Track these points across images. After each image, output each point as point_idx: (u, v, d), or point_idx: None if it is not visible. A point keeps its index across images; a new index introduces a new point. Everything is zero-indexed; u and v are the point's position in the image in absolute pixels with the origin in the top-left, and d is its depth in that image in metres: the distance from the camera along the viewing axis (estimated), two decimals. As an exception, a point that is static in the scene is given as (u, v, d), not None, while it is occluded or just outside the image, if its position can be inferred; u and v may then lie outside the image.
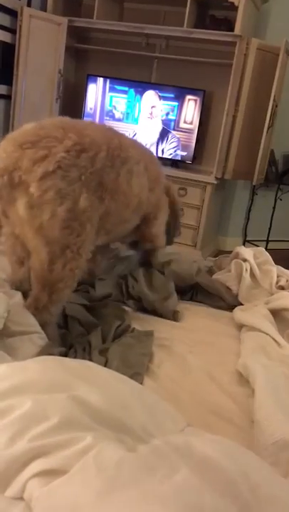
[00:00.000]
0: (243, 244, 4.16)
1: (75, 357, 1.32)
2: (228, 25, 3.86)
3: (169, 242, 2.02)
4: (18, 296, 1.39)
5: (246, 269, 1.82)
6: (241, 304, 1.77)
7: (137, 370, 1.28)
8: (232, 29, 3.75)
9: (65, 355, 1.29)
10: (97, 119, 4.40)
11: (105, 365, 1.26)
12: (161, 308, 1.67)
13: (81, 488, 0.68)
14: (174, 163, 4.15)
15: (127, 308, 1.67)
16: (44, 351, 1.21)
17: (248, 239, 4.47)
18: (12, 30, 4.01)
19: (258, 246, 2.55)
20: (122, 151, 1.52)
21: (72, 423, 0.79)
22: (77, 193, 1.33)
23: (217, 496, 0.70)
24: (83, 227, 1.36)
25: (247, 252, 1.91)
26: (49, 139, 1.34)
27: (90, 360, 1.29)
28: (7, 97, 4.16)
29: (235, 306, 1.78)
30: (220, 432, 1.12)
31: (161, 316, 1.68)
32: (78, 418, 0.80)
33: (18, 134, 1.39)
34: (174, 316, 1.67)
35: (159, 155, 4.19)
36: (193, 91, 4.11)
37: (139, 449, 0.77)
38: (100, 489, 0.67)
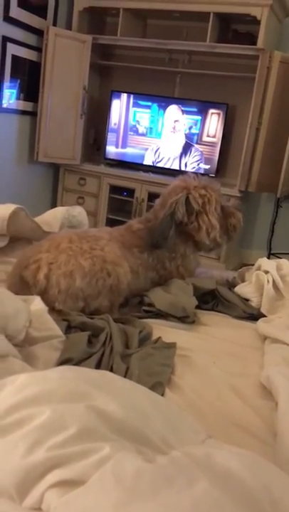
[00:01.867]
0: (268, 257, 4.11)
1: (100, 360, 1.32)
2: (251, 39, 3.87)
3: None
4: (38, 300, 1.41)
5: (268, 281, 1.80)
6: (264, 316, 1.75)
7: (158, 380, 1.26)
8: (255, 43, 3.77)
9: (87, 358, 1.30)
10: (121, 134, 4.46)
11: (126, 373, 1.26)
12: (178, 306, 1.66)
13: (99, 499, 0.67)
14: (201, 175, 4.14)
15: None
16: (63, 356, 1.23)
17: (272, 252, 4.43)
18: (38, 49, 4.10)
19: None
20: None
21: (91, 433, 0.78)
22: None
23: (238, 510, 0.68)
24: None
25: (269, 263, 1.89)
26: None
27: (112, 365, 1.29)
28: (33, 114, 4.24)
29: (257, 317, 1.75)
30: (242, 445, 1.10)
31: (174, 317, 1.66)
32: (97, 428, 0.79)
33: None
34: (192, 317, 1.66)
35: (182, 168, 4.20)
36: (216, 105, 4.13)
37: (158, 460, 0.76)
38: (117, 500, 0.66)
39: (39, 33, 4.07)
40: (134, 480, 0.69)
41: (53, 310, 1.51)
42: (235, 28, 4.08)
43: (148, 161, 4.43)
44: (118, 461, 0.72)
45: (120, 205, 4.49)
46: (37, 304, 1.40)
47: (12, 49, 3.88)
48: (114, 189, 4.44)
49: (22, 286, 1.60)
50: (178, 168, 4.22)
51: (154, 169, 4.38)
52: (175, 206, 1.83)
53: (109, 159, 4.59)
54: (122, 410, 0.86)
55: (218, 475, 0.75)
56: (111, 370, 1.28)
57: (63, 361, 1.26)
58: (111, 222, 4.05)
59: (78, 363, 1.27)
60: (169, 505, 0.66)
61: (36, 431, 0.78)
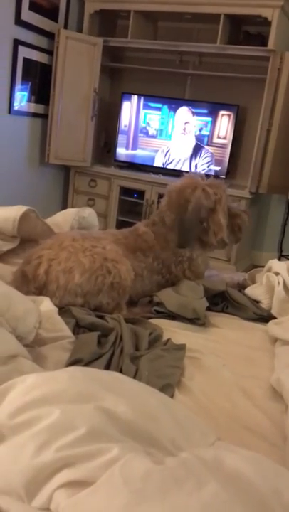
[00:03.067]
0: (279, 259, 4.10)
1: (109, 361, 1.32)
2: (262, 41, 3.86)
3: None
4: (47, 301, 1.41)
5: (279, 283, 1.79)
6: (275, 318, 1.74)
7: (168, 382, 1.26)
8: (265, 44, 3.75)
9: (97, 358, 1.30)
10: (131, 136, 4.46)
11: (135, 374, 1.26)
12: (188, 307, 1.65)
13: (107, 500, 0.67)
14: (208, 176, 4.14)
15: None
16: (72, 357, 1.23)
17: (283, 254, 4.40)
18: (49, 52, 4.12)
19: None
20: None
21: (100, 434, 0.78)
22: None
23: (247, 512, 0.68)
24: None
25: (280, 265, 1.88)
26: None
27: (121, 366, 1.29)
28: (44, 116, 4.26)
29: (268, 319, 1.74)
30: (252, 448, 1.09)
31: (185, 319, 1.66)
32: (105, 429, 0.79)
33: None
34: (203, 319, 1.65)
35: (193, 170, 4.20)
36: (226, 106, 4.12)
37: (167, 461, 0.76)
38: (126, 501, 0.66)
39: (50, 35, 4.09)
40: (143, 481, 0.69)
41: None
42: (246, 30, 4.07)
43: (158, 162, 4.43)
44: (127, 463, 0.72)
45: (130, 207, 4.49)
46: (47, 305, 1.41)
47: (23, 52, 3.91)
48: (125, 191, 4.44)
49: (22, 280, 1.62)
50: (188, 170, 4.22)
51: (164, 171, 4.37)
52: (200, 203, 1.82)
53: (120, 161, 4.59)
54: (131, 411, 0.86)
55: (227, 477, 0.74)
56: (120, 371, 1.28)
57: (73, 362, 1.26)
58: (121, 224, 4.05)
59: (88, 363, 1.28)
60: (177, 507, 0.66)
61: (45, 431, 0.78)
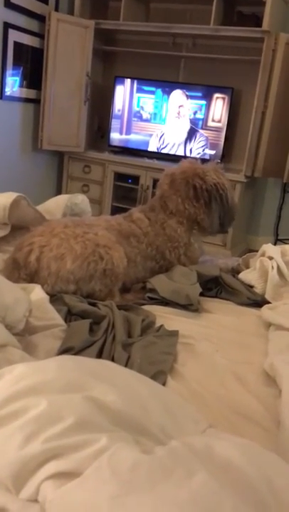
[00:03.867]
0: (275, 244, 4.08)
1: (101, 349, 1.31)
2: (256, 21, 3.80)
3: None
4: (38, 289, 1.40)
5: (272, 267, 1.77)
6: (269, 302, 1.73)
7: (160, 369, 1.25)
8: (260, 25, 3.69)
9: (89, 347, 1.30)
10: (125, 120, 4.41)
11: (127, 362, 1.25)
12: (181, 293, 1.64)
13: (94, 491, 0.66)
14: (202, 162, 4.11)
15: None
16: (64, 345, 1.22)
17: (279, 238, 4.39)
18: (40, 35, 4.05)
19: (289, 244, 2.48)
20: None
21: (88, 424, 0.77)
22: None
23: (237, 501, 0.67)
24: None
25: (274, 249, 1.87)
26: None
27: (113, 354, 1.28)
28: (36, 101, 4.21)
29: (262, 303, 1.73)
30: (245, 433, 1.09)
31: (178, 305, 1.65)
32: (94, 419, 0.78)
33: None
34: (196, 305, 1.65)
35: (187, 154, 4.16)
36: (221, 89, 4.07)
37: (156, 451, 0.75)
38: (113, 493, 0.65)
39: (41, 18, 4.01)
40: (131, 472, 0.68)
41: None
42: (240, 10, 4.00)
43: (152, 147, 4.39)
44: (115, 453, 0.71)
45: (125, 192, 4.46)
46: (38, 293, 1.39)
47: (14, 35, 3.84)
48: (119, 176, 4.40)
49: (13, 267, 1.61)
50: (183, 154, 4.17)
51: (158, 156, 4.33)
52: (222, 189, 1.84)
53: (114, 146, 4.54)
54: (121, 400, 0.85)
55: (217, 466, 0.74)
56: (112, 358, 1.27)
57: (64, 350, 1.25)
58: (116, 210, 4.01)
59: (80, 351, 1.27)
60: (165, 497, 0.65)
61: (33, 422, 0.77)
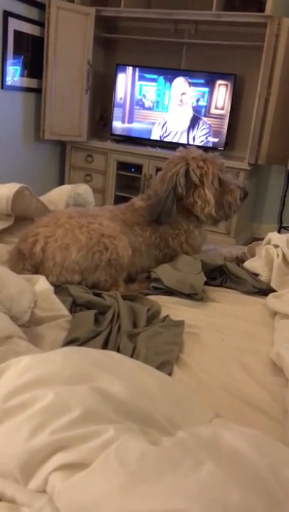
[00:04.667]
0: (279, 231, 4.07)
1: (107, 339, 1.31)
2: (259, 6, 3.76)
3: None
4: (42, 280, 1.39)
5: (278, 255, 1.76)
6: (274, 291, 1.72)
7: (167, 358, 1.25)
8: (262, 10, 3.65)
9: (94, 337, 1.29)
10: (127, 109, 4.38)
11: (133, 352, 1.25)
12: (186, 283, 1.63)
13: (102, 482, 0.66)
14: (205, 150, 4.07)
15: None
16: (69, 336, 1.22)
17: (283, 225, 4.37)
18: (41, 24, 4.01)
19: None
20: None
21: (95, 415, 0.77)
22: None
23: (244, 492, 0.67)
24: None
25: (279, 237, 1.85)
26: None
27: (119, 344, 1.27)
28: (38, 91, 4.18)
29: (267, 292, 1.72)
30: (252, 423, 1.09)
31: (182, 294, 1.64)
32: (101, 410, 0.78)
33: None
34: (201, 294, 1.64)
35: (190, 142, 4.13)
36: (223, 76, 4.04)
37: (164, 441, 0.75)
38: (121, 484, 0.65)
39: (41, 6, 3.97)
40: (139, 463, 0.68)
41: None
42: (242, -5, 3.96)
43: (155, 135, 4.36)
44: (122, 444, 0.71)
45: (128, 181, 4.44)
46: (42, 284, 1.39)
47: (14, 24, 3.80)
48: (122, 165, 4.38)
49: (18, 258, 1.60)
50: (186, 142, 4.15)
51: (161, 144, 4.31)
52: (176, 179, 1.79)
53: (116, 135, 4.52)
54: (128, 391, 0.85)
55: (224, 456, 0.73)
56: (118, 349, 1.27)
57: (70, 341, 1.25)
58: (119, 200, 4.00)
59: (85, 342, 1.26)
60: (174, 488, 0.65)
61: (40, 414, 0.77)
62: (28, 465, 0.73)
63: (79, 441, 0.73)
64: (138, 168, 4.28)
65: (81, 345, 1.24)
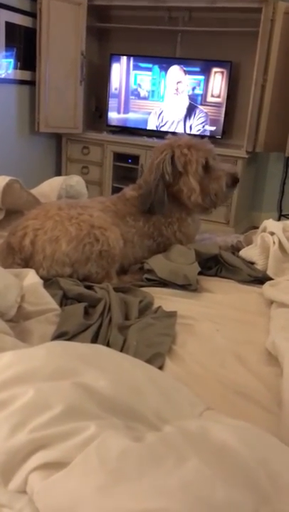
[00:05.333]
0: (279, 219, 4.03)
1: (97, 333, 1.29)
2: (253, -10, 3.69)
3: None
4: (32, 274, 1.36)
5: (274, 242, 1.73)
6: (271, 279, 1.69)
7: (158, 351, 1.22)
8: (257, -6, 3.58)
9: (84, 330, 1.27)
10: (122, 99, 4.34)
11: (124, 345, 1.22)
12: (179, 273, 1.60)
13: (81, 481, 0.63)
14: (202, 138, 4.03)
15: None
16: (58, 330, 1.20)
17: (283, 213, 4.32)
18: (33, 15, 3.96)
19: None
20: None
21: (77, 412, 0.74)
22: None
23: (231, 488, 0.64)
24: None
25: (275, 225, 1.82)
26: None
27: (109, 337, 1.25)
28: (32, 83, 4.13)
29: (263, 280, 1.69)
30: (246, 414, 1.06)
31: (176, 285, 1.61)
32: (83, 406, 0.75)
33: None
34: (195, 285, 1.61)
35: (187, 131, 4.08)
36: (219, 63, 3.98)
37: (148, 437, 0.72)
38: (101, 483, 0.63)
39: (32, -3, 3.92)
40: (120, 461, 0.65)
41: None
42: (236, -20, 3.89)
43: (152, 125, 4.31)
44: (103, 442, 0.68)
45: (125, 172, 4.40)
46: (31, 277, 1.36)
47: (5, 15, 3.75)
48: (119, 157, 4.34)
49: (8, 252, 1.58)
50: (183, 132, 4.10)
51: (158, 134, 4.26)
52: (162, 166, 1.75)
53: (112, 126, 4.47)
54: (113, 386, 0.82)
55: (211, 450, 0.71)
56: (108, 342, 1.24)
57: (59, 335, 1.22)
58: (117, 191, 3.94)
59: (74, 336, 1.24)
60: (155, 486, 0.62)
61: (19, 412, 0.74)
62: (8, 465, 0.71)
63: (59, 439, 0.70)
64: (135, 158, 4.23)
65: (70, 339, 1.21)
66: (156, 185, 1.75)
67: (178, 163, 1.77)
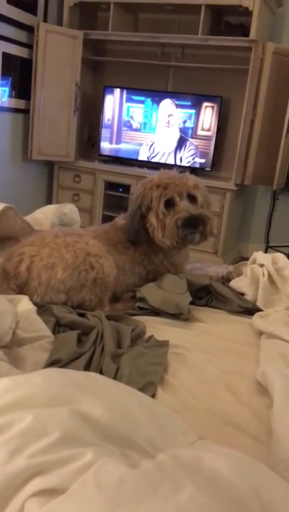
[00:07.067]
0: (265, 251, 4.09)
1: (90, 360, 1.29)
2: (244, 31, 3.83)
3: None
4: (25, 300, 1.38)
5: (264, 274, 1.77)
6: (260, 310, 1.72)
7: (150, 379, 1.23)
8: (247, 34, 3.72)
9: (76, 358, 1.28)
10: (115, 130, 4.42)
11: (116, 373, 1.23)
12: (171, 302, 1.62)
13: (79, 508, 0.64)
14: (192, 171, 4.10)
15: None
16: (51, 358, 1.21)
17: (270, 245, 4.39)
18: (29, 46, 4.05)
19: (280, 252, 2.48)
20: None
21: (73, 439, 0.75)
22: None
23: (225, 516, 0.65)
24: None
25: (264, 257, 1.86)
26: None
27: (102, 365, 1.26)
28: (26, 112, 4.20)
29: (253, 311, 1.72)
30: (237, 444, 1.07)
31: (168, 314, 1.63)
32: (80, 433, 0.77)
33: None
34: (186, 314, 1.62)
35: (178, 163, 4.17)
36: (210, 98, 4.09)
37: (143, 464, 0.73)
38: (99, 509, 0.64)
39: (30, 29, 4.02)
40: (117, 487, 0.66)
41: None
42: (228, 20, 4.03)
43: (143, 156, 4.39)
44: (100, 468, 0.69)
45: (116, 201, 4.45)
46: (25, 304, 1.38)
47: (2, 46, 3.84)
48: (110, 185, 4.40)
49: (3, 277, 1.59)
50: (173, 163, 4.18)
51: (149, 164, 4.34)
52: (140, 200, 1.79)
53: (104, 155, 4.55)
54: (108, 413, 0.84)
55: (205, 478, 0.72)
56: (100, 370, 1.25)
57: (52, 362, 1.23)
58: (107, 219, 3.99)
59: (67, 363, 1.25)
60: (152, 513, 0.63)
61: (17, 438, 0.75)
62: (5, 491, 0.71)
63: (57, 465, 0.71)
64: (126, 188, 4.30)
65: (63, 366, 1.22)
66: (133, 216, 1.79)
67: (145, 200, 1.79)
